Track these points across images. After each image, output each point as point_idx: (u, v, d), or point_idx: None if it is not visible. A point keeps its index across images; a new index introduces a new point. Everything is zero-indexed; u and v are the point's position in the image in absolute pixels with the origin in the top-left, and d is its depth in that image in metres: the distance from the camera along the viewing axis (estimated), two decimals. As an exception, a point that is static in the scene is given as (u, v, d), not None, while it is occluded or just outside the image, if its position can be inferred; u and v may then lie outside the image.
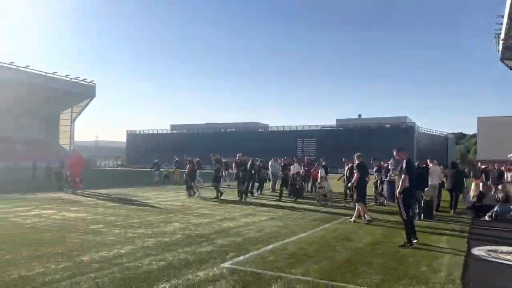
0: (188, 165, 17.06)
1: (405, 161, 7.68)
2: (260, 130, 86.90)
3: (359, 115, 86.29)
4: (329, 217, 11.16)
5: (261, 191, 18.69)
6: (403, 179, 7.50)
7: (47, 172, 23.82)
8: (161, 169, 28.12)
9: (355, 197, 10.84)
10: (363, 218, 10.54)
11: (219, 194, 15.92)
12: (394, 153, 8.11)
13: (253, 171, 17.92)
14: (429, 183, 12.05)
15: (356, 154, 11.24)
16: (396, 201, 7.70)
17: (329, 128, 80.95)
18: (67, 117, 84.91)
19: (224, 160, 20.37)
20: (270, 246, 7.17)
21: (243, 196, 15.63)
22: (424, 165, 12.52)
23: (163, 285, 4.83)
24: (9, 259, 5.83)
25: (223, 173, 17.85)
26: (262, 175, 19.11)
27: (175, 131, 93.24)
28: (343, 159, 14.34)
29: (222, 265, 5.85)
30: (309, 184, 20.18)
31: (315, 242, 7.64)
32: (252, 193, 18.11)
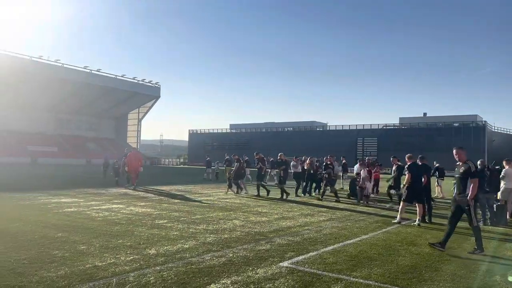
0: (236, 164, 17.58)
1: (472, 163, 7.16)
2: (318, 129, 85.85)
3: (424, 114, 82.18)
4: (391, 219, 10.75)
5: (318, 191, 18.47)
6: (474, 183, 6.99)
7: (104, 167, 25.52)
8: (212, 167, 29.08)
9: (403, 197, 10.43)
10: (397, 218, 10.44)
11: (259, 191, 16.38)
12: (454, 151, 7.52)
13: (311, 171, 17.85)
14: (504, 186, 11.19)
15: (407, 155, 10.81)
16: (466, 206, 7.11)
17: (392, 127, 77.92)
18: (134, 117, 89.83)
19: (272, 159, 20.59)
20: (329, 247, 7.06)
21: (285, 194, 15.73)
22: (497, 167, 11.65)
23: (224, 281, 4.95)
24: (84, 250, 6.29)
25: (266, 171, 18.12)
26: (319, 175, 18.86)
27: (234, 130, 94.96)
28: (391, 158, 13.74)
29: (280, 264, 5.87)
30: (371, 186, 19.57)
31: (377, 245, 7.41)
32: (310, 193, 18.00)
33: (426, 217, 10.71)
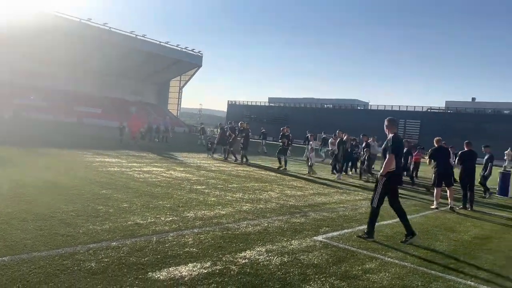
0: (219, 131, 19.61)
1: (390, 136, 6.22)
2: (359, 107, 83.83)
3: (473, 98, 78.12)
4: (430, 204, 10.47)
5: (355, 170, 18.22)
6: (390, 159, 6.11)
7: (147, 131, 26.65)
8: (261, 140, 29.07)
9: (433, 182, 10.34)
10: (434, 203, 10.15)
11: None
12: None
13: (349, 150, 17.54)
14: None
15: (435, 139, 10.52)
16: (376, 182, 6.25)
17: (437, 111, 74.79)
18: (175, 85, 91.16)
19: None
20: (364, 226, 6.97)
21: (244, 158, 17.44)
22: None
23: (259, 248, 5.04)
24: (126, 207, 6.58)
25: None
26: (355, 154, 18.54)
27: (272, 104, 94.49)
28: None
29: (315, 237, 5.90)
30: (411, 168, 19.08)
31: (414, 228, 7.26)
32: (346, 171, 17.78)
33: (468, 205, 10.38)
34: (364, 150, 15.97)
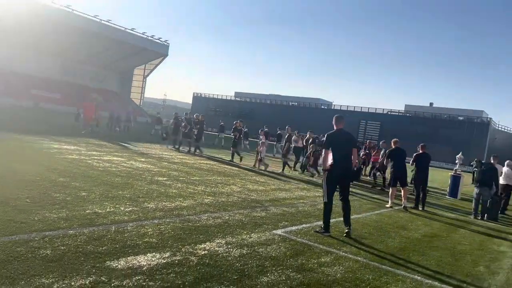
0: (172, 121, 20.12)
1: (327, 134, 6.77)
2: (323, 107, 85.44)
3: (431, 103, 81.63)
4: (385, 204, 10.92)
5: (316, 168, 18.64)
6: (324, 154, 6.52)
7: (110, 122, 26.19)
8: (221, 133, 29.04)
9: (388, 182, 10.93)
10: (389, 202, 10.61)
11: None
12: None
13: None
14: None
15: (392, 140, 11.24)
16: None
17: (396, 114, 77.57)
18: (140, 73, 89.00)
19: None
20: (322, 222, 7.22)
21: (198, 150, 18.08)
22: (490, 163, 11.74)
23: (218, 241, 5.11)
24: (85, 196, 6.44)
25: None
26: (318, 151, 18.99)
27: (238, 99, 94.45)
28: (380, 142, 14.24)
29: (274, 231, 6.03)
30: (368, 168, 19.79)
31: (369, 225, 7.58)
32: (308, 169, 18.16)
33: (420, 205, 10.91)
34: (310, 146, 16.36)
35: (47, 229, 4.52)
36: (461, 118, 71.19)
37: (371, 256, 5.47)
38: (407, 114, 77.03)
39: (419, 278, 4.82)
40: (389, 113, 77.49)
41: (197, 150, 18.23)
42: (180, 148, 18.87)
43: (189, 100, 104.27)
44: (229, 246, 4.93)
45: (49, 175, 7.68)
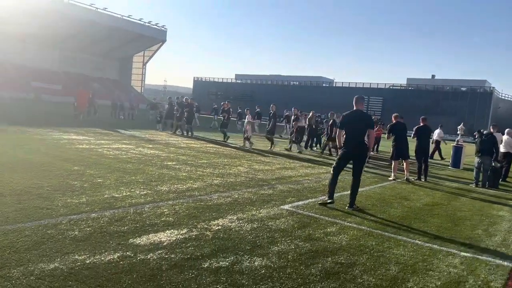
0: (167, 106, 20.99)
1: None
2: (324, 84, 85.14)
3: (433, 76, 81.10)
4: (388, 177, 11.23)
5: (319, 146, 18.94)
6: (338, 133, 7.15)
7: (113, 109, 27.28)
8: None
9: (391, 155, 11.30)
10: (392, 175, 10.94)
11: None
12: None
13: (313, 126, 18.19)
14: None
15: (393, 115, 11.44)
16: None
17: (398, 88, 77.25)
18: (139, 60, 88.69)
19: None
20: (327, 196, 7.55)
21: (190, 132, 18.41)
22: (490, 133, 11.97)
23: (230, 217, 5.45)
24: (101, 182, 6.79)
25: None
26: (319, 130, 19.24)
27: (239, 81, 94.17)
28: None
29: (282, 206, 6.37)
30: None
31: (372, 198, 7.91)
32: (312, 147, 18.46)
33: (422, 176, 11.21)
34: (293, 123, 16.70)
35: (71, 213, 4.87)
36: (463, 89, 70.85)
37: (374, 224, 5.80)
38: (410, 88, 76.74)
39: (419, 242, 5.15)
40: (391, 87, 77.20)
41: (189, 133, 18.89)
42: (176, 132, 19.45)
43: (190, 85, 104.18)
44: (240, 221, 5.27)
45: (64, 165, 8.02)
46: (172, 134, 18.77)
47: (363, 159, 6.94)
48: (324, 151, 16.63)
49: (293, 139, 16.40)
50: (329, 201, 6.65)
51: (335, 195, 6.86)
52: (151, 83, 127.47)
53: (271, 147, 15.99)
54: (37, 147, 10.23)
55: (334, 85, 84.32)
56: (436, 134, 18.87)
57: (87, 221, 4.61)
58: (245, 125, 16.70)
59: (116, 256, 3.70)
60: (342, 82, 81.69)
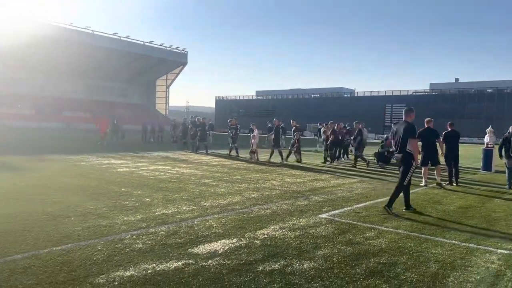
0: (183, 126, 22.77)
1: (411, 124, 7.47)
2: (345, 95, 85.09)
3: (456, 79, 79.88)
4: (419, 183, 11.37)
5: (347, 157, 19.13)
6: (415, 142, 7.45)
7: (143, 132, 28.81)
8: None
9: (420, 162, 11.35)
10: (423, 181, 11.07)
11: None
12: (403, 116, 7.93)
13: (339, 137, 18.42)
14: None
15: (426, 119, 11.47)
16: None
17: (422, 93, 76.42)
18: (162, 84, 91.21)
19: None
20: (362, 204, 7.86)
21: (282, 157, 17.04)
22: None
23: (273, 227, 5.84)
24: (149, 201, 7.32)
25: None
26: (346, 141, 19.42)
27: (260, 97, 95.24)
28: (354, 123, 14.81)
29: (319, 215, 6.71)
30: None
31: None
32: (338, 158, 18.67)
33: (453, 181, 11.30)
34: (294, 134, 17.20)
35: (131, 229, 5.38)
36: (489, 90, 69.42)
37: (411, 228, 6.07)
38: (433, 93, 75.74)
39: (456, 242, 5.39)
40: (414, 93, 76.41)
41: (204, 150, 19.96)
42: (198, 151, 20.32)
43: (212, 104, 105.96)
44: (283, 230, 5.65)
45: (111, 187, 8.63)
46: (192, 153, 19.63)
47: (405, 166, 7.27)
48: (355, 161, 16.85)
49: (294, 150, 17.03)
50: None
51: (370, 202, 7.15)
52: (174, 104, 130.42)
53: (282, 158, 16.45)
54: (81, 172, 10.94)
55: (355, 95, 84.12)
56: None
57: (147, 235, 5.10)
58: (251, 139, 17.34)
59: (180, 263, 4.15)
60: (364, 91, 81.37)
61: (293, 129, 17.57)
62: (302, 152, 17.58)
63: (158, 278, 3.75)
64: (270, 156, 16.81)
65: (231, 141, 18.98)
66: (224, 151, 20.18)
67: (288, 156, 16.86)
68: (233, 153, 18.68)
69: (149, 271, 3.90)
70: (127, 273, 3.83)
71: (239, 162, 15.92)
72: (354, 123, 18.19)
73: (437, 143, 11.28)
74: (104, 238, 4.94)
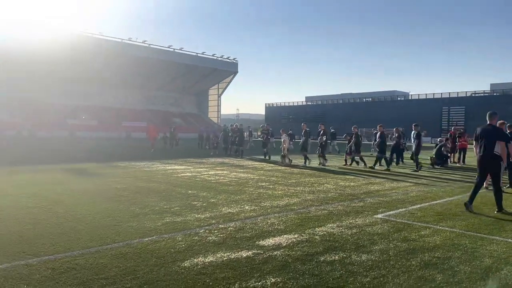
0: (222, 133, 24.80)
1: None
2: (399, 98, 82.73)
3: (520, 78, 74.95)
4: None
5: (402, 161, 18.95)
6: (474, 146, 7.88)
7: (200, 140, 30.53)
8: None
9: None
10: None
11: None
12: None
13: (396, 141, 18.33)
14: None
15: (499, 122, 11.17)
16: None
17: (482, 94, 72.56)
18: (214, 93, 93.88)
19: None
20: (417, 206, 8.06)
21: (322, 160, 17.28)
22: None
23: (330, 225, 6.27)
24: (215, 202, 8.02)
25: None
26: (401, 145, 19.24)
27: (310, 103, 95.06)
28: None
29: (375, 216, 7.04)
30: (456, 155, 19.59)
31: (462, 205, 8.14)
32: (398, 163, 18.54)
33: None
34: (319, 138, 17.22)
35: (203, 225, 6.05)
36: (558, 89, 64.59)
37: (467, 227, 6.25)
38: (494, 94, 71.68)
39: (511, 240, 5.53)
40: (474, 95, 72.74)
41: (240, 154, 21.45)
42: (242, 156, 21.46)
43: (262, 111, 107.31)
44: (340, 228, 6.07)
45: (179, 190, 9.47)
46: (236, 157, 21.03)
47: (493, 169, 7.61)
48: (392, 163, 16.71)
49: (320, 153, 17.17)
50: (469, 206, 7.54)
51: (425, 204, 7.35)
52: (225, 112, 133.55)
53: (305, 162, 16.84)
54: (149, 177, 11.96)
55: (409, 98, 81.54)
56: None
57: (218, 230, 5.75)
58: (282, 144, 17.76)
59: (250, 253, 4.73)
60: (419, 94, 78.69)
61: (321, 132, 17.67)
62: (363, 157, 17.48)
63: (234, 264, 4.35)
64: (306, 162, 17.04)
65: (262, 146, 20.49)
66: (276, 157, 20.80)
67: (322, 160, 17.11)
68: (280, 159, 18.86)
69: (225, 258, 4.51)
70: (207, 260, 4.46)
71: (293, 167, 16.39)
72: (352, 127, 18.33)
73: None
74: (181, 232, 5.65)
